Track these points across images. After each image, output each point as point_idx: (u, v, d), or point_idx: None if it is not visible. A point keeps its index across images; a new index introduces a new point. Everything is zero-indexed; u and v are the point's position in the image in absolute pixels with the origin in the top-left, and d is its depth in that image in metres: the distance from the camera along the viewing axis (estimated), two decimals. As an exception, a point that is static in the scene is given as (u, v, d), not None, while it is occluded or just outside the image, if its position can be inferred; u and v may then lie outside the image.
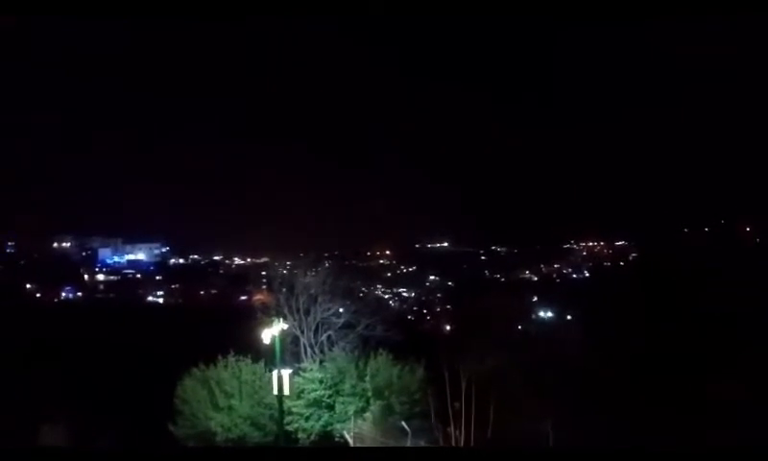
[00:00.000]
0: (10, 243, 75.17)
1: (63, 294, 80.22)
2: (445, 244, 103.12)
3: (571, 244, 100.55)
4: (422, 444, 23.44)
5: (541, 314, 71.96)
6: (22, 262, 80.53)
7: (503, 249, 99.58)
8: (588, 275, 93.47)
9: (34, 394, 30.85)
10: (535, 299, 79.46)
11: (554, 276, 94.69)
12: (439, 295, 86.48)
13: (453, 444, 23.78)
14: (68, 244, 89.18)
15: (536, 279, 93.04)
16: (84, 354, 39.89)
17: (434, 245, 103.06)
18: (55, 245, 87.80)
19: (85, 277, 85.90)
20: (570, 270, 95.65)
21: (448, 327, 69.23)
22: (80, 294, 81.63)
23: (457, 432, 23.73)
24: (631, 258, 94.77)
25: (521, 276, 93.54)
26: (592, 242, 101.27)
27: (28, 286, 77.65)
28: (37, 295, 77.57)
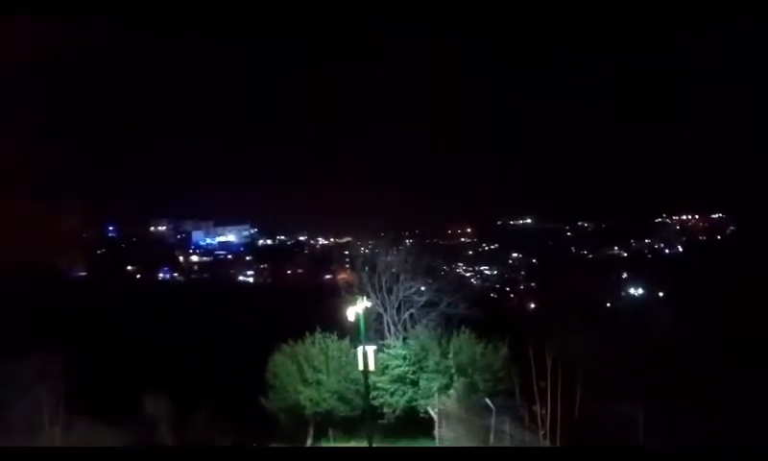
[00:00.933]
0: (111, 227, 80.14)
1: (161, 274, 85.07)
2: (528, 220, 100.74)
3: (663, 218, 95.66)
4: (507, 421, 23.33)
5: (631, 292, 69.54)
6: (123, 245, 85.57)
7: (590, 224, 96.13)
8: (681, 250, 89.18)
9: (135, 364, 33.13)
10: (624, 276, 76.84)
11: (645, 251, 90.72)
12: (522, 272, 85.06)
13: (539, 422, 23.54)
14: (164, 228, 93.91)
15: (625, 255, 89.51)
16: (183, 331, 42.30)
17: (516, 221, 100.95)
18: (152, 228, 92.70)
19: (180, 258, 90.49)
20: (663, 245, 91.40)
21: (532, 306, 68.26)
22: (176, 274, 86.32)
23: (543, 411, 23.45)
24: (728, 232, 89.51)
25: (609, 252, 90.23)
26: (686, 215, 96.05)
27: (129, 268, 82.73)
28: (137, 276, 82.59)
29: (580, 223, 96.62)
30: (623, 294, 68.90)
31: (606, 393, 22.56)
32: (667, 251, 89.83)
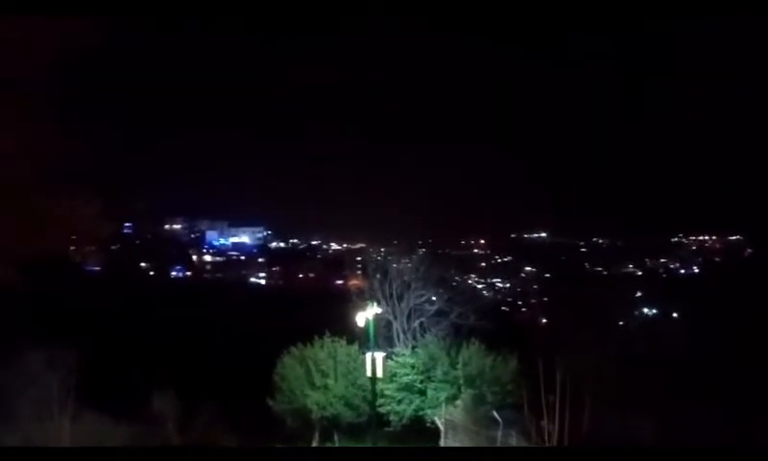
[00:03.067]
0: (127, 224, 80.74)
1: (174, 273, 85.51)
2: (543, 234, 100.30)
3: (680, 237, 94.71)
4: (514, 434, 23.15)
5: (645, 310, 68.78)
6: (137, 242, 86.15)
7: (605, 241, 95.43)
8: (697, 271, 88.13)
9: (149, 362, 33.27)
10: (638, 294, 76.03)
11: (660, 270, 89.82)
12: (535, 286, 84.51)
13: (546, 437, 23.31)
14: (178, 226, 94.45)
15: (640, 273, 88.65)
16: (193, 329, 42.49)
17: (531, 235, 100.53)
18: (166, 227, 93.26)
19: (194, 257, 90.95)
20: (678, 265, 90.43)
21: (544, 320, 67.75)
22: (188, 273, 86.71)
23: (551, 425, 23.23)
24: (746, 255, 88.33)
25: (624, 269, 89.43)
26: (703, 236, 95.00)
27: (142, 264, 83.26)
28: (150, 273, 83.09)
29: (595, 239, 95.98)
30: (636, 312, 68.19)
31: (616, 409, 22.29)
32: (683, 271, 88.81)
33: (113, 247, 71.98)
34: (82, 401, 24.74)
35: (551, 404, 23.10)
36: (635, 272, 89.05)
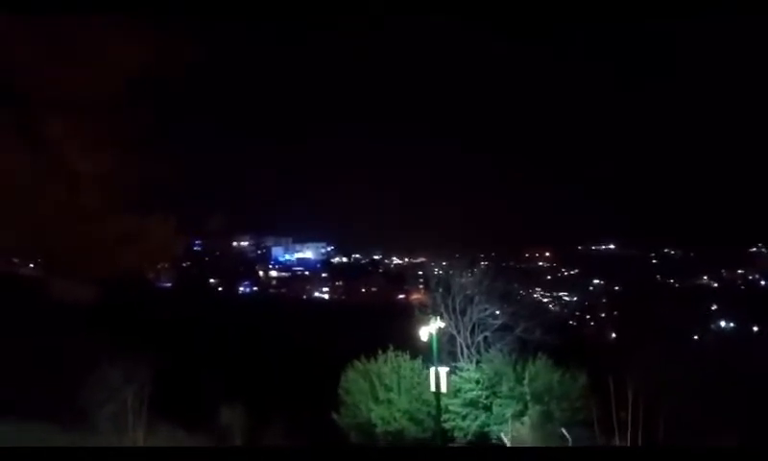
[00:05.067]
0: (197, 242, 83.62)
1: (241, 288, 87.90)
2: (611, 246, 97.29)
3: (759, 247, 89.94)
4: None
5: (722, 324, 65.57)
6: (206, 259, 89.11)
7: (677, 251, 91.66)
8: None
9: (218, 375, 34.22)
10: (714, 307, 72.63)
11: (738, 282, 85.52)
12: (603, 300, 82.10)
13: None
14: (245, 243, 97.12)
15: (715, 285, 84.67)
16: (259, 343, 43.40)
17: (598, 247, 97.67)
18: (234, 244, 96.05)
19: (260, 273, 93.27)
20: (758, 276, 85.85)
21: (613, 335, 65.64)
22: (255, 288, 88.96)
23: (623, 444, 22.40)
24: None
25: (698, 282, 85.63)
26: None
27: (211, 281, 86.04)
28: (219, 288, 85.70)
29: (666, 250, 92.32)
30: (712, 326, 65.17)
31: (692, 429, 21.28)
32: (763, 282, 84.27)
33: (184, 264, 74.66)
34: (155, 413, 25.73)
35: (623, 422, 22.31)
36: (709, 284, 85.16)
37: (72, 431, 25.15)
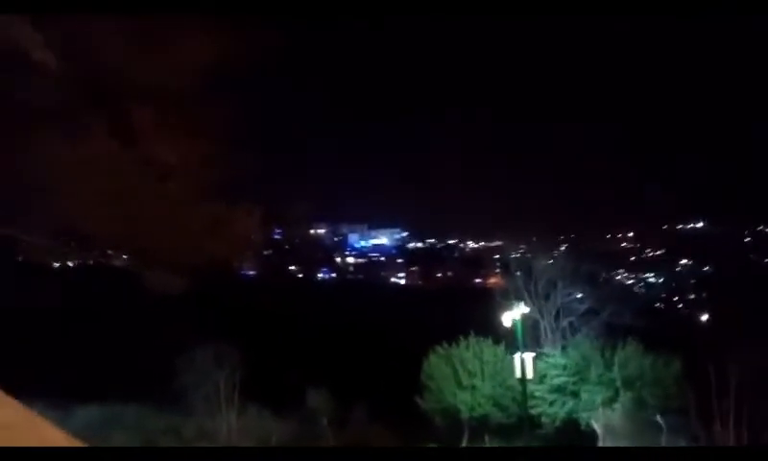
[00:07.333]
0: (277, 230, 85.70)
1: (320, 275, 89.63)
2: (700, 224, 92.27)
3: None
4: (681, 442, 21.44)
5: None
6: (286, 247, 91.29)
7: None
8: None
9: (298, 358, 35.07)
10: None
11: None
12: (692, 281, 78.23)
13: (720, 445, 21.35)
14: (322, 231, 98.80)
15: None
16: (340, 329, 44.10)
17: (686, 225, 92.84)
18: (312, 231, 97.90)
19: (337, 259, 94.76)
20: None
21: (704, 318, 62.43)
22: (333, 275, 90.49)
23: (725, 432, 21.22)
24: None
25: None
26: None
27: (292, 268, 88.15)
28: (299, 275, 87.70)
29: (761, 227, 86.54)
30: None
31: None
32: None
33: (266, 252, 76.76)
34: (245, 397, 26.62)
35: (724, 410, 21.11)
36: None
37: (168, 413, 26.48)
